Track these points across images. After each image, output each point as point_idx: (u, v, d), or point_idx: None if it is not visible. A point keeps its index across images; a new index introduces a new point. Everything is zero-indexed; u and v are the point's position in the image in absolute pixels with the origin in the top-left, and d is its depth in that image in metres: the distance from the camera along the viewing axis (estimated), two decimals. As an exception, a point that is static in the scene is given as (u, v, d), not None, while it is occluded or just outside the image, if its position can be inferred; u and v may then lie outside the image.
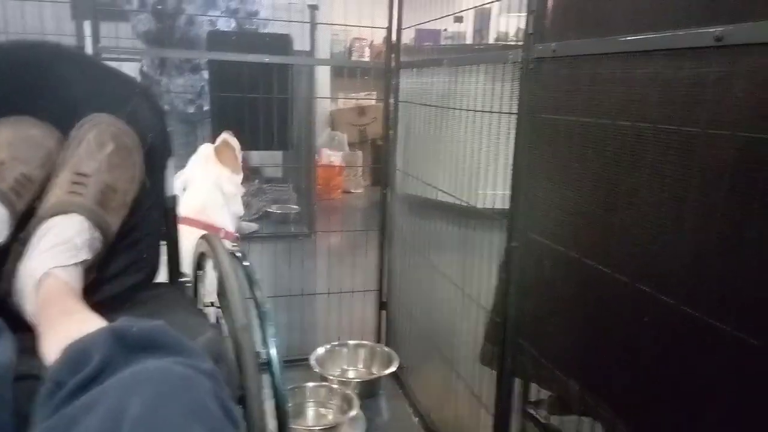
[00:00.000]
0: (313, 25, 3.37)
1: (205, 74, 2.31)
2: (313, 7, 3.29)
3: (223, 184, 1.76)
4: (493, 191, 1.31)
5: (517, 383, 1.24)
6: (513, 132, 1.17)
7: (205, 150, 1.79)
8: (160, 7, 2.24)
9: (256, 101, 1.88)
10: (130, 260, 0.96)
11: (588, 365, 0.97)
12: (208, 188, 1.76)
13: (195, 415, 0.48)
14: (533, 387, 1.26)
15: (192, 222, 1.69)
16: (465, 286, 1.47)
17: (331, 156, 5.00)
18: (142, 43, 2.34)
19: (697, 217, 0.74)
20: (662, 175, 0.79)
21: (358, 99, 5.28)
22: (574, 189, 0.99)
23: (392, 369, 1.95)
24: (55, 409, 0.51)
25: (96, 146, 0.91)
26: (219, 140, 1.80)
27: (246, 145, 1.97)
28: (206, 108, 2.35)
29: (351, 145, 5.38)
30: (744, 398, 0.68)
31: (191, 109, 2.38)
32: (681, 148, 0.76)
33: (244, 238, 2.79)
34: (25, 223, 0.86)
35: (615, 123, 0.89)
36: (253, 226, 3.68)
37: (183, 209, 1.72)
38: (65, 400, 0.51)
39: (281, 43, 1.98)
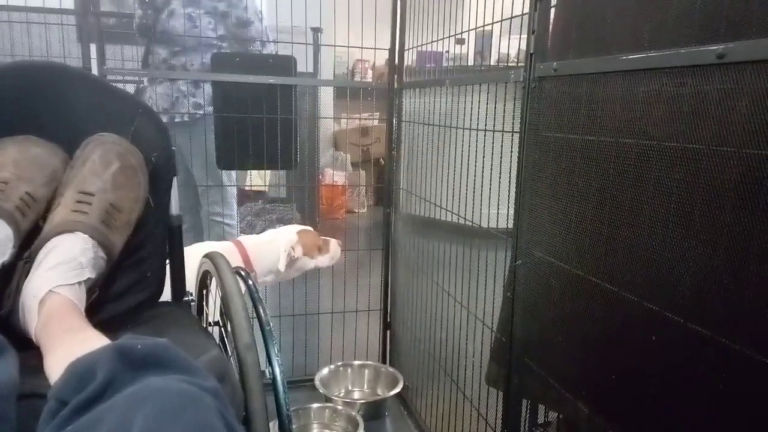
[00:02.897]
0: (317, 46, 3.41)
1: (181, 85, 2.33)
2: (317, 30, 3.33)
3: (290, 245, 1.77)
4: (497, 210, 1.31)
5: (525, 404, 1.23)
6: (516, 150, 1.17)
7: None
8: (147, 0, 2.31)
9: (261, 121, 1.90)
10: (134, 279, 0.96)
11: (597, 386, 0.96)
12: (276, 239, 1.77)
13: (200, 433, 0.48)
14: (541, 408, 1.24)
15: (239, 245, 1.70)
16: (470, 305, 1.46)
17: (334, 176, 5.01)
18: (138, 37, 2.38)
19: (703, 235, 0.74)
20: (667, 193, 0.79)
21: (361, 119, 5.32)
22: (579, 207, 0.99)
23: (397, 390, 1.93)
24: (58, 428, 0.50)
25: (101, 165, 0.92)
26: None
27: (251, 165, 1.98)
28: (177, 120, 2.36)
29: (354, 165, 5.41)
30: (758, 419, 0.67)
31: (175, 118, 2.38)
32: (686, 165, 0.76)
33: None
34: (29, 241, 0.86)
35: (618, 141, 0.89)
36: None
37: (244, 237, 1.75)
38: (68, 419, 0.50)
39: (285, 64, 2.00)
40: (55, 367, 0.63)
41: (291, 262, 1.77)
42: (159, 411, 0.47)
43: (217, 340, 0.96)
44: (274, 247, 1.75)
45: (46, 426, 0.52)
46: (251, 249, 1.71)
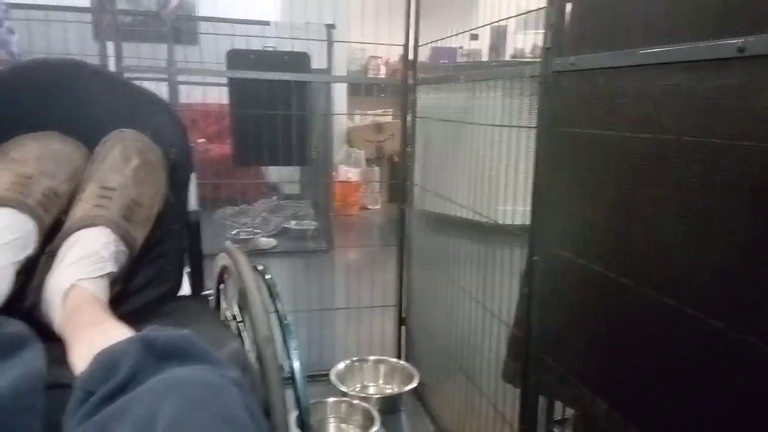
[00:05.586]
0: (330, 43, 3.42)
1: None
2: (330, 26, 3.34)
3: None
4: (513, 206, 1.30)
5: (542, 401, 1.23)
6: (533, 146, 1.17)
7: None
8: None
9: (276, 118, 1.91)
10: (154, 273, 0.97)
11: (615, 382, 0.96)
12: None
13: (226, 422, 0.48)
14: (558, 405, 1.24)
15: None
16: (486, 301, 1.46)
17: (348, 172, 5.02)
18: None
19: (722, 230, 0.73)
20: (686, 187, 0.79)
21: (374, 115, 5.32)
22: (596, 202, 0.98)
23: (413, 385, 1.93)
24: (85, 418, 0.51)
25: (121, 161, 0.93)
26: None
27: (266, 161, 1.99)
28: None
29: (368, 161, 5.41)
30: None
31: None
32: (705, 160, 0.76)
33: (262, 253, 2.79)
34: (52, 236, 0.87)
35: (636, 136, 0.88)
36: (272, 242, 3.69)
37: None
38: (95, 408, 0.51)
39: (299, 60, 2.00)
40: (80, 358, 0.64)
41: None
42: (185, 401, 0.48)
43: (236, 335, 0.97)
44: None
45: (73, 416, 0.53)
46: None
